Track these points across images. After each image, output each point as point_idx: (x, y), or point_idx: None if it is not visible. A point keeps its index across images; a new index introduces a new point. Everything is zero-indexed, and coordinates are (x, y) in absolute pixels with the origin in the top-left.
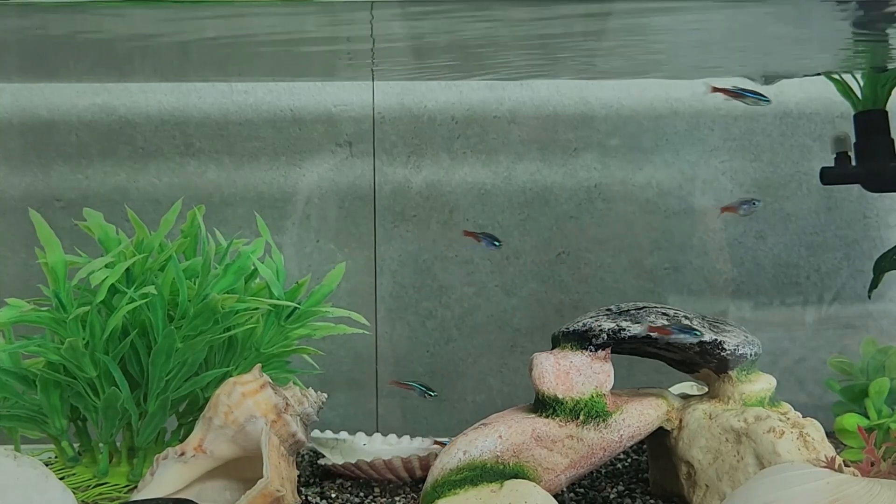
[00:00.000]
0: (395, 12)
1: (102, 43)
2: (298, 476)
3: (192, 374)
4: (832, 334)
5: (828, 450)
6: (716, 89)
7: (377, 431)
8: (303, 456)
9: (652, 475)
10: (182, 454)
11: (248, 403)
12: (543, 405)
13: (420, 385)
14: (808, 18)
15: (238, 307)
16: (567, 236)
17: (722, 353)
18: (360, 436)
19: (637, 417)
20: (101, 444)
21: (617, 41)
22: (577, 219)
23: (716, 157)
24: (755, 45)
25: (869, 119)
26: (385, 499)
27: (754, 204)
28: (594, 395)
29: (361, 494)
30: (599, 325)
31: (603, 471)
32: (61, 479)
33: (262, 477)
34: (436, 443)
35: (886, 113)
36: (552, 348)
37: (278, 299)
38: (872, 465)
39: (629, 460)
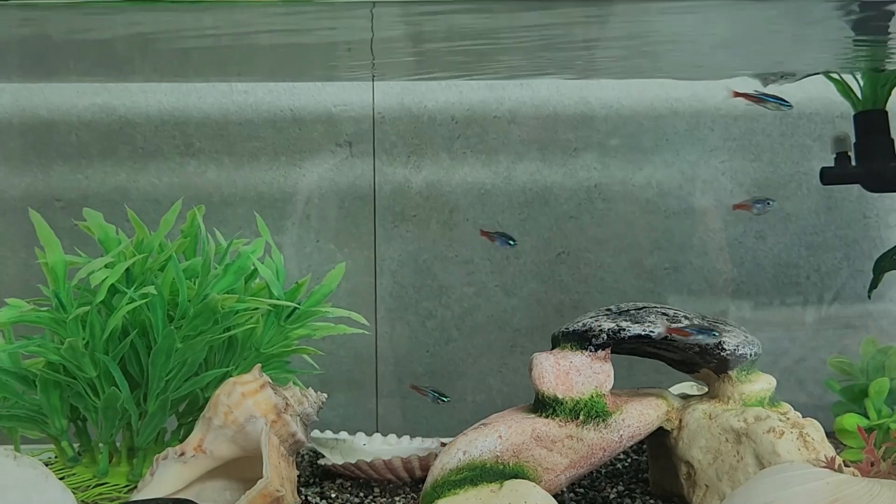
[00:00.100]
0: (395, 12)
1: (102, 43)
2: (298, 476)
3: (191, 374)
4: (832, 334)
5: (828, 450)
6: (737, 94)
7: (377, 431)
8: (303, 456)
9: (652, 475)
10: (182, 454)
11: (248, 403)
12: (543, 405)
13: (434, 391)
14: (807, 18)
15: (238, 307)
16: (567, 236)
17: (722, 354)
18: (360, 436)
19: (637, 417)
20: (100, 445)
21: (617, 41)
22: (577, 219)
23: (716, 157)
24: (754, 45)
25: (869, 119)
26: (385, 499)
27: (768, 203)
28: (594, 396)
29: (361, 494)
30: (599, 326)
31: (603, 471)
32: (61, 479)
33: (261, 477)
34: (442, 445)
35: (886, 113)
36: (552, 348)
37: (278, 299)
38: (872, 465)
39: (629, 460)
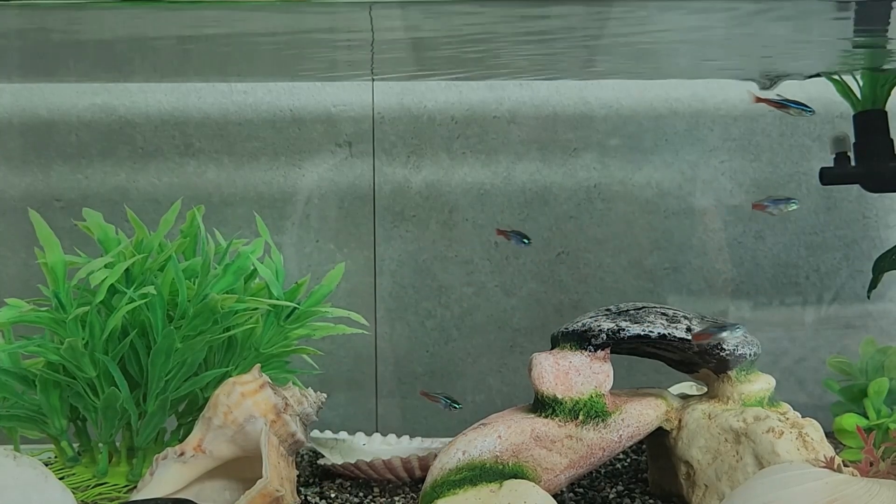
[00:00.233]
0: (395, 12)
1: (102, 43)
2: (298, 476)
3: (191, 374)
4: (832, 334)
5: (827, 450)
6: (759, 99)
7: (376, 431)
8: (302, 456)
9: (651, 475)
10: (181, 454)
11: (248, 403)
12: (543, 405)
13: (446, 398)
14: (807, 18)
15: (237, 307)
16: (567, 236)
17: (721, 353)
18: (360, 436)
19: (636, 417)
20: (100, 444)
21: (616, 41)
22: (577, 219)
23: (715, 157)
24: (754, 45)
25: (868, 119)
26: (384, 499)
27: (790, 202)
28: (593, 396)
29: (361, 494)
30: (599, 326)
31: (602, 471)
32: (61, 479)
33: (261, 477)
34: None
35: (886, 113)
36: (551, 348)
37: (278, 299)
38: (871, 465)
39: (628, 460)
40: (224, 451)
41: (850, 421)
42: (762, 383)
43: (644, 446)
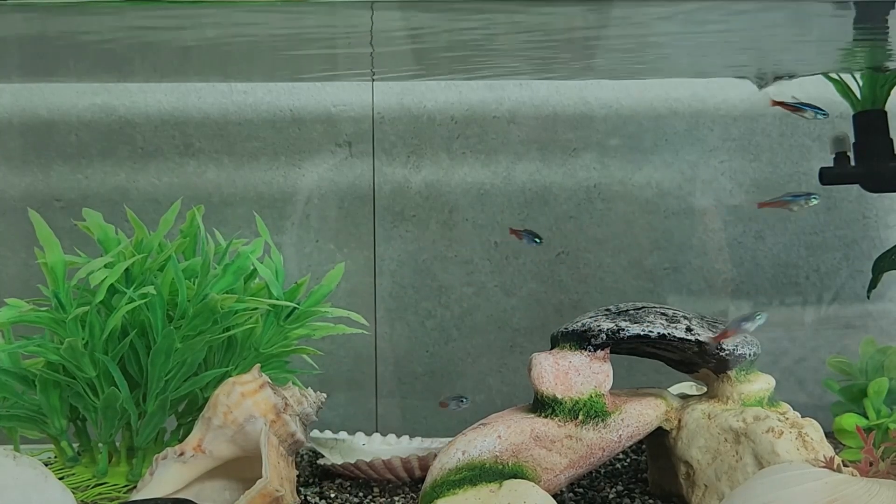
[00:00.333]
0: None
1: (102, 43)
2: (297, 476)
3: (191, 374)
4: (832, 334)
5: (826, 450)
6: (775, 103)
7: (376, 431)
8: (302, 456)
9: (651, 475)
10: (181, 454)
11: (248, 403)
12: (542, 405)
13: (453, 398)
14: (807, 18)
15: (237, 307)
16: (566, 236)
17: (721, 353)
18: (360, 436)
19: (636, 417)
20: (100, 444)
21: (616, 41)
22: (577, 219)
23: (715, 157)
24: (754, 45)
25: (868, 119)
26: (384, 499)
27: (811, 197)
28: (593, 395)
29: (360, 494)
30: (598, 326)
31: (602, 471)
32: (60, 479)
33: (261, 477)
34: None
35: (885, 113)
36: (551, 348)
37: (277, 299)
38: (871, 465)
39: (628, 460)
40: (224, 451)
41: (849, 421)
42: (762, 383)
43: (644, 446)
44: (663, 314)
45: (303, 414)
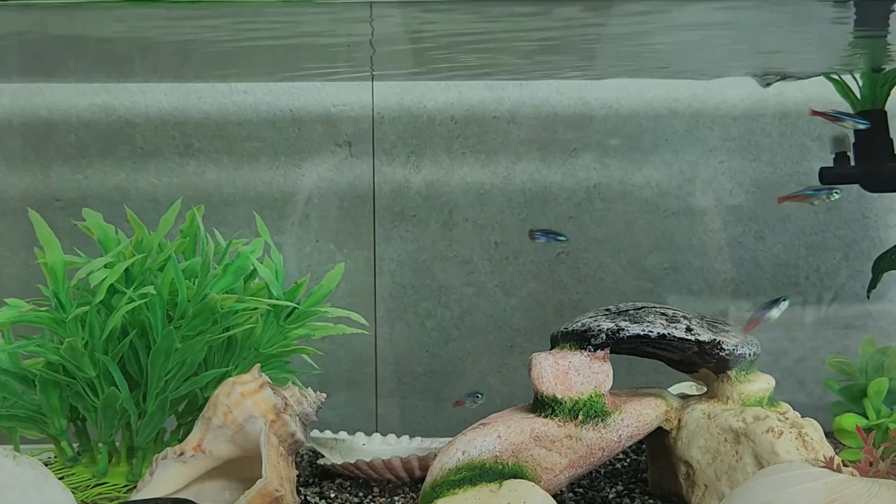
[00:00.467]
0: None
1: (102, 43)
2: (297, 476)
3: (191, 374)
4: (832, 334)
5: (826, 450)
6: (814, 112)
7: (376, 431)
8: (302, 456)
9: (651, 475)
10: (181, 454)
11: (248, 403)
12: (542, 405)
13: (469, 394)
14: (807, 18)
15: (237, 307)
16: (566, 236)
17: (721, 353)
18: (360, 436)
19: (636, 417)
20: (100, 444)
21: (616, 41)
22: (577, 219)
23: (715, 157)
24: (753, 45)
25: (868, 119)
26: (384, 499)
27: (832, 192)
28: (593, 395)
29: (360, 494)
30: (598, 325)
31: (602, 471)
32: (60, 479)
33: (260, 477)
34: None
35: (885, 113)
36: (551, 348)
37: (277, 299)
38: (871, 465)
39: (628, 460)
40: (224, 450)
41: (849, 421)
42: (762, 383)
43: (644, 446)
44: (663, 314)
45: (303, 414)
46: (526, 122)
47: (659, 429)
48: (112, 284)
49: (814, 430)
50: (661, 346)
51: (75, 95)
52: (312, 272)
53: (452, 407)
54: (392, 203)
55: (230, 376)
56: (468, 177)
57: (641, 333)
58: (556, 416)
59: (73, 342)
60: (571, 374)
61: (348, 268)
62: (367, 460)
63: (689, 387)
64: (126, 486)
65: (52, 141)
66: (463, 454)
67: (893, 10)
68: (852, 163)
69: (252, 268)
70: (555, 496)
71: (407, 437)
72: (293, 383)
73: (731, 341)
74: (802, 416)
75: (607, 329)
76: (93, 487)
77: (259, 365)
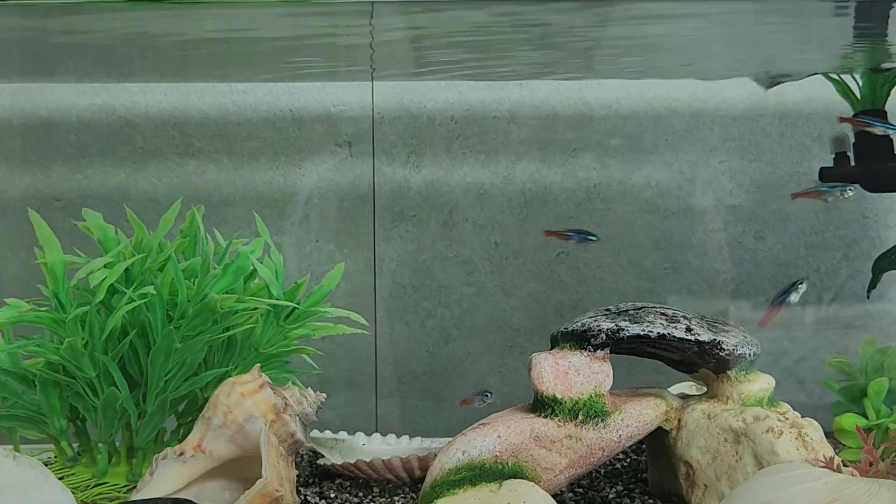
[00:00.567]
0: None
1: (102, 43)
2: (297, 476)
3: (191, 374)
4: (832, 334)
5: (826, 450)
6: (843, 119)
7: (376, 431)
8: (302, 456)
9: (651, 475)
10: (181, 454)
11: (247, 403)
12: (542, 405)
13: (477, 393)
14: (807, 18)
15: (237, 307)
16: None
17: (720, 353)
18: (360, 436)
19: (636, 417)
20: (100, 444)
21: (616, 42)
22: (577, 219)
23: (715, 157)
24: (753, 45)
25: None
26: (384, 499)
27: (847, 189)
28: (593, 395)
29: (360, 494)
30: (598, 325)
31: (602, 471)
32: (60, 479)
33: (260, 477)
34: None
35: (885, 113)
36: (551, 348)
37: (277, 299)
38: (871, 465)
39: (628, 460)
40: (224, 450)
41: (849, 421)
42: (762, 383)
43: (644, 446)
44: (663, 314)
45: (303, 414)
46: (526, 122)
47: (659, 429)
48: (112, 284)
49: (814, 430)
50: (661, 346)
51: (75, 95)
52: (312, 272)
53: (459, 406)
54: (392, 203)
55: (230, 376)
56: (468, 177)
57: (641, 333)
58: (556, 416)
59: (73, 342)
60: (571, 374)
61: (348, 268)
62: (367, 460)
63: (689, 387)
64: (126, 486)
65: (52, 141)
66: (463, 454)
67: (894, 6)
68: (852, 163)
69: (252, 268)
70: (555, 496)
71: (407, 437)
72: (293, 383)
73: (731, 341)
74: (802, 416)
75: (607, 329)
76: (93, 487)
77: (259, 365)
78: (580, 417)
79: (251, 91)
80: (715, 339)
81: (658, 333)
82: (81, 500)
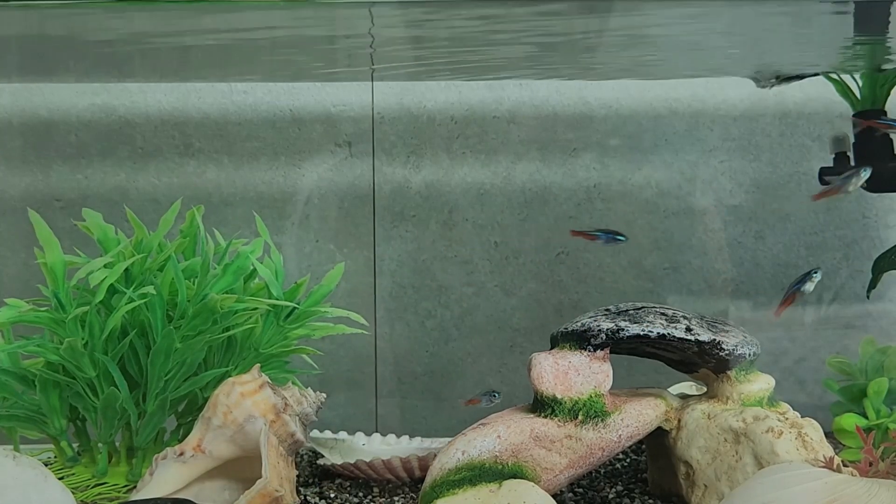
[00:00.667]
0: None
1: (102, 43)
2: (297, 476)
3: (191, 374)
4: (832, 334)
5: (826, 450)
6: (867, 122)
7: (376, 431)
8: (302, 456)
9: (651, 475)
10: (181, 454)
11: (247, 403)
12: (542, 405)
13: (484, 393)
14: (807, 18)
15: (237, 307)
16: (566, 236)
17: (720, 353)
18: (360, 436)
19: (636, 417)
20: (100, 444)
21: (616, 42)
22: (577, 219)
23: (715, 157)
24: (753, 45)
25: (867, 119)
26: (384, 499)
27: (862, 171)
28: (593, 395)
29: (360, 494)
30: (598, 325)
31: (602, 471)
32: (60, 479)
33: (260, 477)
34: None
35: (885, 113)
36: (551, 348)
37: (277, 299)
38: (871, 465)
39: (628, 460)
40: (223, 451)
41: (849, 421)
42: (762, 383)
43: (644, 446)
44: (663, 314)
45: (302, 414)
46: (526, 122)
47: (659, 429)
48: (112, 284)
49: (814, 430)
50: (660, 346)
51: (75, 95)
52: (312, 272)
53: (465, 405)
54: (392, 203)
55: (230, 376)
56: (468, 177)
57: (641, 333)
58: (556, 416)
59: (72, 342)
60: (571, 374)
61: (348, 268)
62: (367, 460)
63: (689, 387)
64: (126, 486)
65: (52, 141)
66: (463, 454)
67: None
68: (852, 163)
69: (252, 268)
70: (555, 496)
71: (407, 437)
72: (293, 383)
73: (731, 341)
74: (802, 416)
75: (607, 329)
76: (93, 487)
77: (259, 365)
78: (580, 417)
79: (251, 91)
80: (715, 339)
81: (658, 333)
82: (81, 500)
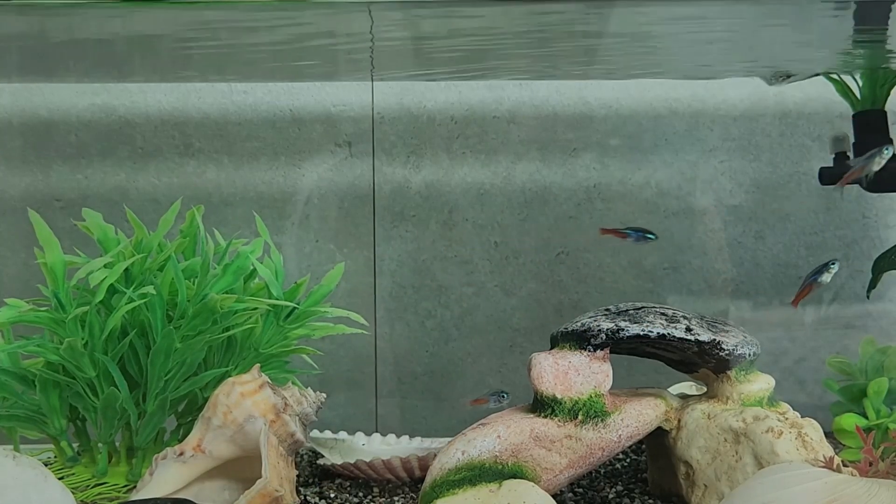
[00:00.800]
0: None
1: (102, 43)
2: (297, 476)
3: (191, 374)
4: (832, 334)
5: (826, 450)
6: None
7: (376, 431)
8: (302, 456)
9: (651, 475)
10: (181, 454)
11: (247, 403)
12: (542, 405)
13: (492, 393)
14: (807, 18)
15: (237, 307)
16: (566, 236)
17: (720, 353)
18: (359, 436)
19: (636, 417)
20: (100, 444)
21: (616, 42)
22: (577, 219)
23: (715, 157)
24: (753, 45)
25: (868, 119)
26: (384, 499)
27: (883, 150)
28: (593, 395)
29: (360, 494)
30: (598, 325)
31: (602, 471)
32: (60, 479)
33: (260, 477)
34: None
35: (885, 113)
36: (551, 348)
37: (277, 299)
38: (871, 465)
39: (628, 460)
40: (223, 450)
41: (849, 421)
42: (762, 383)
43: (644, 446)
44: (663, 314)
45: (302, 414)
46: (526, 122)
47: (659, 429)
48: (112, 284)
49: (813, 430)
50: (660, 346)
51: (75, 95)
52: (312, 272)
53: (470, 405)
54: (392, 203)
55: (230, 376)
56: (468, 177)
57: (641, 333)
58: (556, 416)
59: (72, 342)
60: (571, 374)
61: (348, 268)
62: (367, 460)
63: (689, 387)
64: (126, 486)
65: (52, 141)
66: (463, 454)
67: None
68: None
69: (252, 268)
70: (555, 496)
71: (407, 437)
72: (293, 383)
73: (731, 341)
74: (802, 416)
75: (607, 329)
76: (93, 487)
77: (259, 365)
78: (580, 417)
79: (251, 91)
80: (715, 339)
81: (658, 333)
82: (81, 500)
